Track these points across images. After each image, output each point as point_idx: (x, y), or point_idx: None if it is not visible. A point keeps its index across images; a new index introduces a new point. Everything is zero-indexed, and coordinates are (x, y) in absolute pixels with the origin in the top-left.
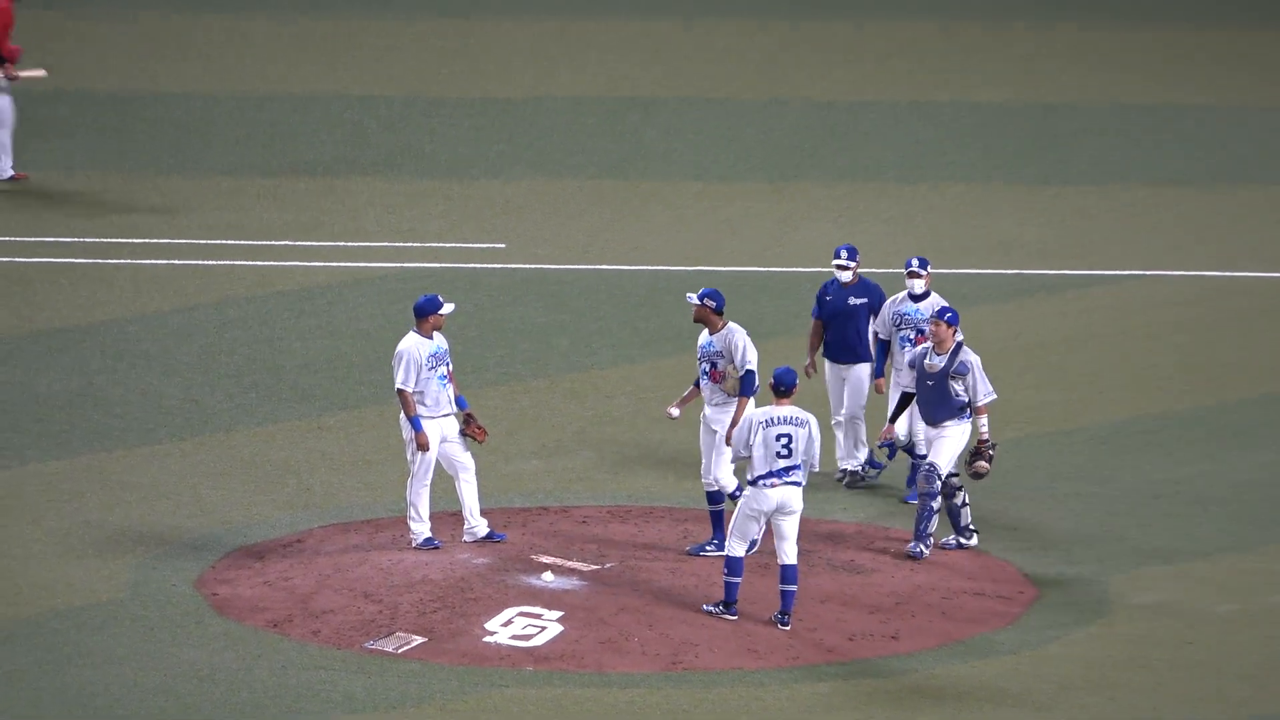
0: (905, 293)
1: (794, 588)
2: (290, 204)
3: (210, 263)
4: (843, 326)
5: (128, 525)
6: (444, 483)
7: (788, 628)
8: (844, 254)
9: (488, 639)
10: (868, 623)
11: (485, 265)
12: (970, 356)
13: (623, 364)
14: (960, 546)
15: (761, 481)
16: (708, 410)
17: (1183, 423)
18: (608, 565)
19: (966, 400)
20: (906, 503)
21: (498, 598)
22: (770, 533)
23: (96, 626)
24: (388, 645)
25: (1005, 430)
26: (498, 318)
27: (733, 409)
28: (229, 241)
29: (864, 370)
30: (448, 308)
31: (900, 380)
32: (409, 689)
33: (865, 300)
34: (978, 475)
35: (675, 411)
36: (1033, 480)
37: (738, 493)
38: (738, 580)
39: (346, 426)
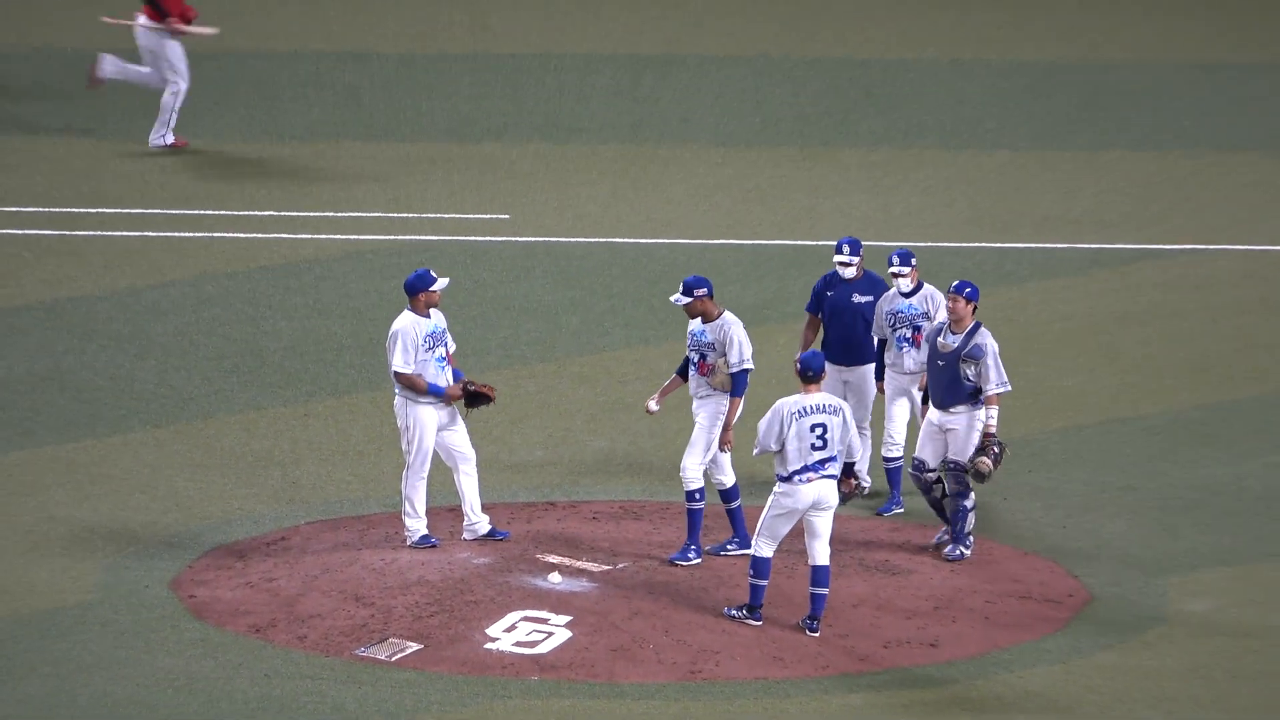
0: (895, 289)
1: (825, 590)
2: (275, 171)
3: (187, 235)
4: (846, 325)
5: (97, 521)
6: (442, 475)
7: (817, 634)
8: (846, 248)
9: (489, 646)
10: (904, 629)
11: (488, 238)
12: (987, 339)
13: (637, 345)
14: (962, 556)
15: (796, 477)
16: (694, 405)
17: (1244, 413)
18: (620, 565)
19: (978, 387)
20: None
21: (500, 601)
22: (793, 531)
23: (62, 632)
24: (380, 652)
25: (1052, 419)
26: (501, 295)
27: (716, 404)
28: (208, 211)
29: (868, 372)
30: (441, 283)
31: (899, 383)
32: (403, 700)
33: (871, 298)
34: (980, 475)
35: (655, 405)
36: (1081, 474)
37: (699, 495)
38: (764, 583)
39: (336, 414)
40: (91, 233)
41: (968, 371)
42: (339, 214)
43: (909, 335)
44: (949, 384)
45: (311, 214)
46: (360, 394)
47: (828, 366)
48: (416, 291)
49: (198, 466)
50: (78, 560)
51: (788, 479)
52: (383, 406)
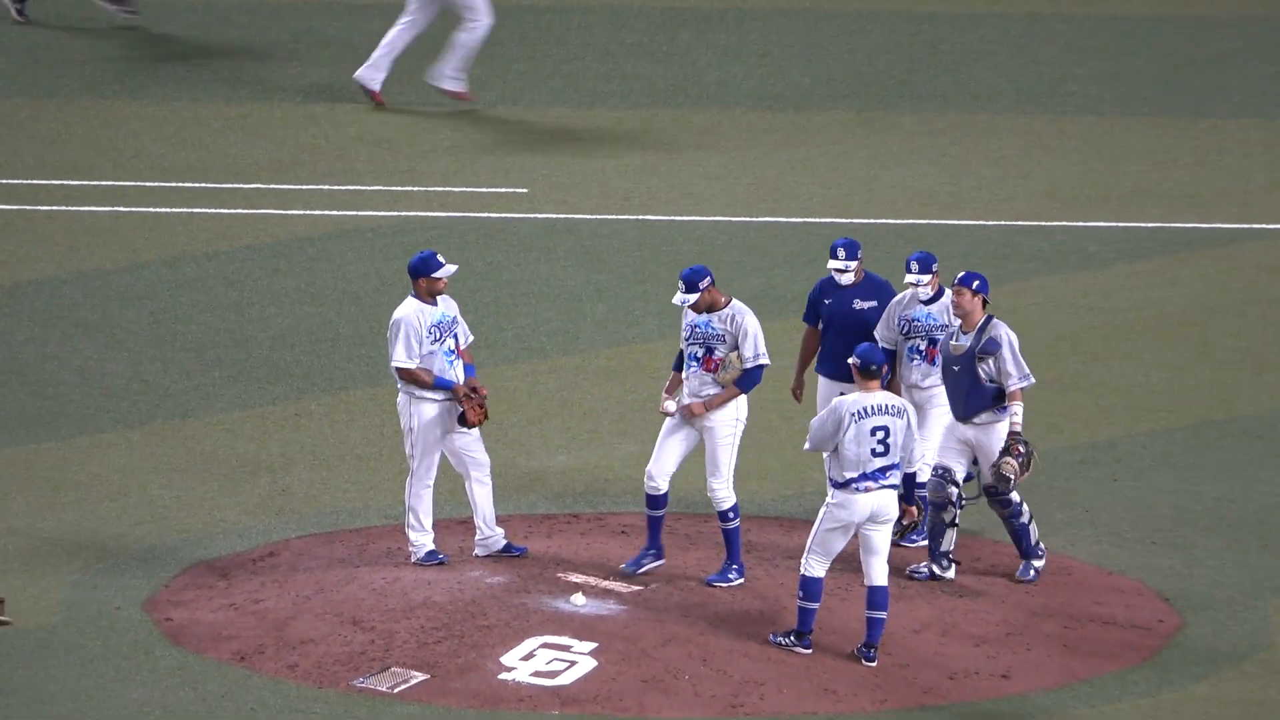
0: (912, 291)
1: (883, 614)
2: (263, 137)
3: (163, 210)
4: (847, 335)
5: (61, 534)
6: (451, 483)
7: (874, 663)
8: (841, 251)
9: (504, 676)
10: (972, 657)
11: (503, 214)
12: (1001, 331)
13: (671, 336)
14: (933, 576)
15: (854, 485)
16: (686, 399)
17: None
18: (652, 586)
19: (1001, 389)
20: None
21: (516, 625)
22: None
23: (23, 658)
24: (381, 683)
25: (1138, 420)
26: (518, 279)
27: (734, 410)
28: (186, 184)
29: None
30: (447, 269)
31: (910, 398)
32: None
33: (875, 303)
34: (1003, 480)
35: (671, 406)
36: (1173, 482)
37: (733, 514)
38: (814, 606)
39: (331, 413)
40: (56, 207)
41: (985, 370)
42: (335, 186)
43: (922, 347)
44: (969, 390)
45: (304, 186)
46: (359, 390)
47: (825, 383)
48: (418, 276)
49: (175, 472)
50: (39, 578)
51: (843, 486)
52: (384, 404)
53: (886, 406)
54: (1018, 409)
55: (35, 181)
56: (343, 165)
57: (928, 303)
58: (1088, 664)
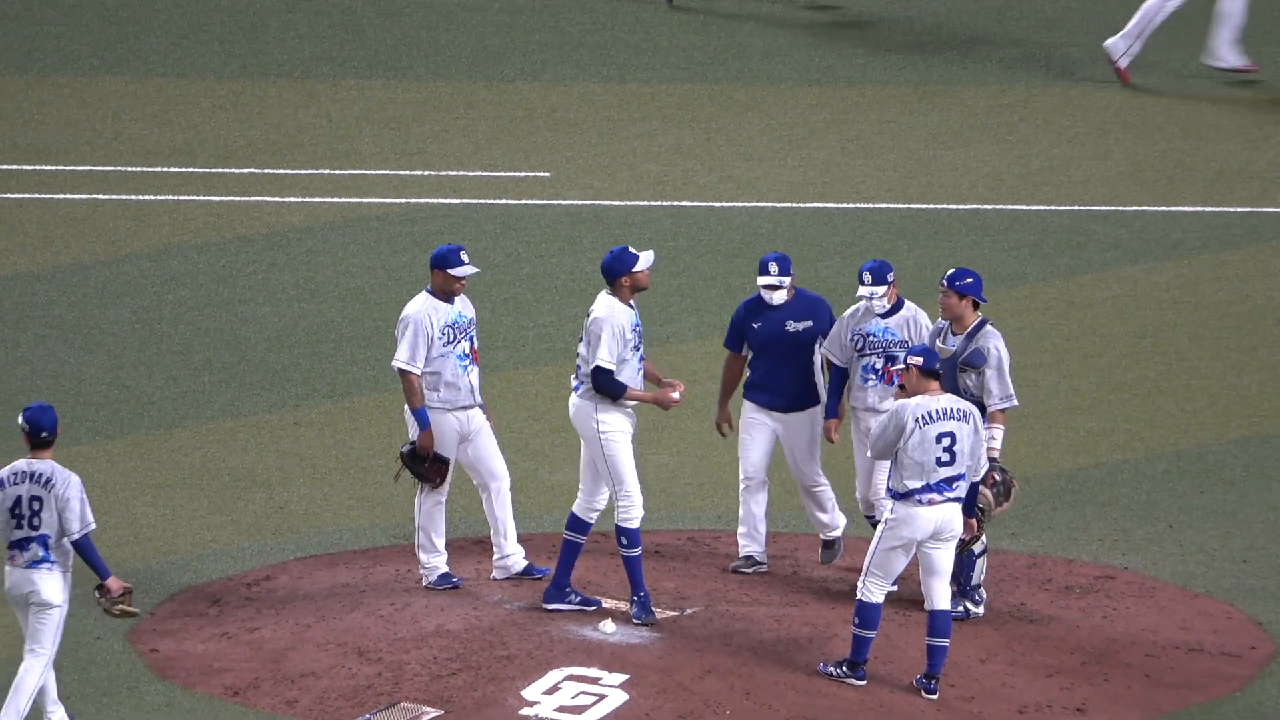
0: (865, 303)
1: (945, 642)
2: (257, 117)
3: (148, 198)
4: (778, 360)
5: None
6: (467, 498)
7: (935, 695)
8: (773, 266)
9: (526, 711)
10: (1044, 689)
11: (523, 200)
12: (992, 343)
13: (710, 335)
14: (967, 615)
15: (915, 497)
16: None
17: None
18: (689, 611)
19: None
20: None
21: (539, 655)
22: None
23: None
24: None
25: (1228, 426)
26: (539, 272)
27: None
28: (173, 169)
29: (811, 419)
30: (466, 269)
31: (861, 425)
32: None
33: (810, 324)
34: (981, 513)
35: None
36: (1266, 496)
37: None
38: (871, 635)
39: (333, 422)
40: (27, 195)
41: (967, 382)
42: (336, 171)
43: (878, 365)
44: None
45: (302, 171)
46: (363, 396)
47: (752, 409)
48: (434, 268)
49: (161, 488)
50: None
51: (904, 497)
52: (391, 412)
53: (953, 410)
54: (997, 432)
55: (5, 166)
56: (345, 147)
57: (885, 316)
58: (1172, 696)
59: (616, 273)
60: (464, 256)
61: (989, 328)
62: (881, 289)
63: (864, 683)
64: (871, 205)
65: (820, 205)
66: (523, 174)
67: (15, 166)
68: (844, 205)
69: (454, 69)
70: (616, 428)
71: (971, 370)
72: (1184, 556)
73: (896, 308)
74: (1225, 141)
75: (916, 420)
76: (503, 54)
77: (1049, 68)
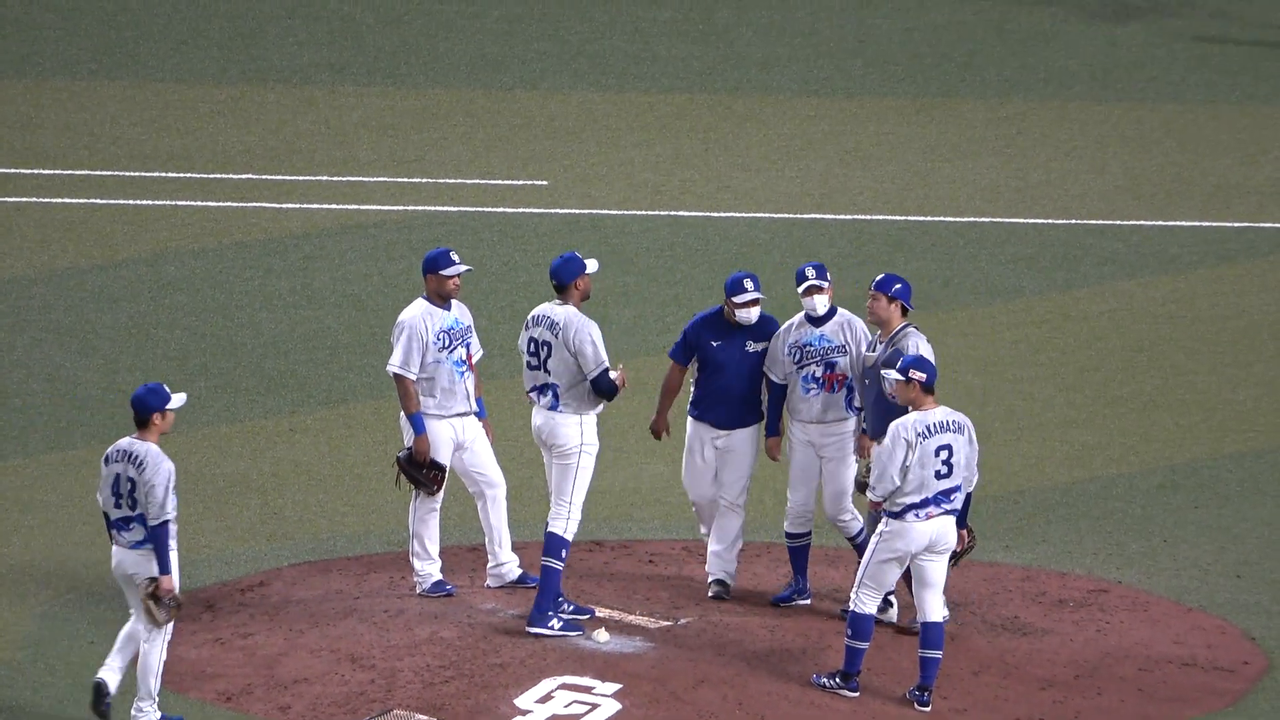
0: (801, 314)
1: (938, 654)
2: (255, 123)
3: (145, 203)
4: (731, 380)
5: (29, 560)
6: (461, 505)
7: (928, 708)
8: (749, 284)
9: (519, 719)
10: (1037, 702)
11: (520, 209)
12: (911, 342)
13: None
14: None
15: (911, 513)
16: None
17: None
18: (683, 621)
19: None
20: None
21: (532, 664)
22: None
23: None
24: None
25: (1223, 441)
26: (536, 280)
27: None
28: (170, 174)
29: (750, 436)
30: (457, 268)
31: (802, 437)
32: None
33: (766, 345)
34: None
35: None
36: (1261, 511)
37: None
38: (864, 646)
39: (329, 428)
40: (24, 199)
41: (890, 384)
42: (334, 178)
43: (819, 374)
44: (873, 405)
45: (300, 178)
46: (359, 403)
47: (696, 427)
48: (426, 272)
49: None
50: (3, 608)
51: (899, 515)
52: (387, 419)
53: (949, 423)
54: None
55: (1, 170)
56: (343, 154)
57: (818, 323)
58: (1165, 710)
59: (571, 276)
60: (454, 256)
61: (911, 329)
62: (826, 283)
63: (857, 694)
64: (869, 217)
65: (818, 216)
66: (520, 182)
67: (12, 170)
68: (842, 216)
69: (453, 77)
70: (594, 442)
71: (893, 370)
72: (1178, 571)
73: (830, 314)
74: (1222, 156)
75: (918, 435)
76: (501, 62)
77: (1047, 81)
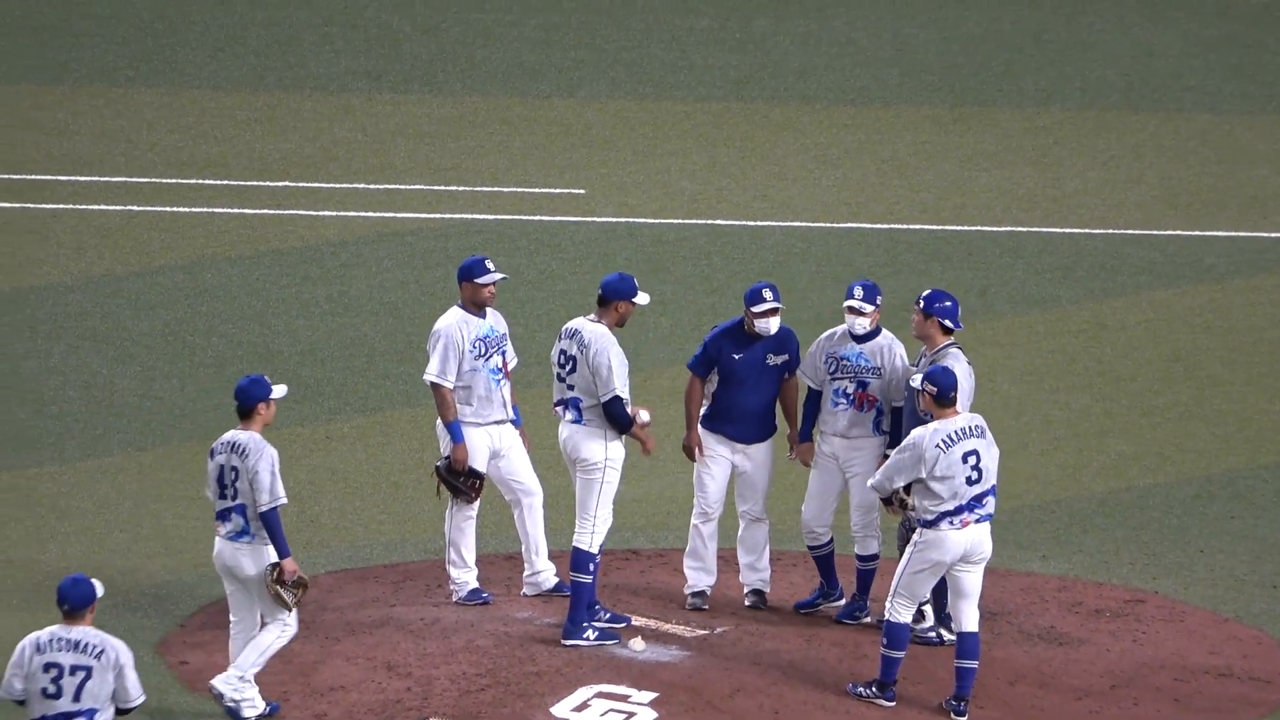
0: (844, 328)
1: (974, 664)
2: (292, 131)
3: (181, 210)
4: (749, 393)
5: (64, 566)
6: (498, 513)
7: (964, 717)
8: (769, 293)
9: None
10: (1073, 712)
11: (557, 217)
12: (950, 363)
13: None
14: (942, 641)
15: (946, 521)
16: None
17: None
18: (719, 630)
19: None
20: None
21: (568, 672)
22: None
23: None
24: None
25: (1260, 451)
26: (573, 289)
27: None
28: (207, 181)
29: (769, 448)
30: (492, 275)
31: (827, 449)
32: None
33: (786, 357)
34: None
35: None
36: None
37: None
38: (900, 655)
39: (365, 436)
40: (62, 205)
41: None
42: (370, 185)
43: (849, 390)
44: (907, 422)
45: (336, 185)
46: (395, 411)
47: (711, 440)
48: (461, 280)
49: (191, 500)
50: (40, 614)
51: (933, 523)
52: (423, 427)
53: (970, 429)
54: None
55: (39, 176)
56: (380, 162)
57: (861, 340)
58: (1202, 719)
59: (616, 296)
60: (489, 264)
61: (954, 350)
62: (870, 307)
63: (893, 703)
64: (905, 226)
65: (854, 225)
66: (557, 190)
67: (50, 177)
68: (878, 225)
69: (489, 85)
70: (620, 458)
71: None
72: (1214, 581)
73: (874, 334)
74: (1259, 166)
75: (939, 445)
76: (538, 70)
77: (1084, 91)
